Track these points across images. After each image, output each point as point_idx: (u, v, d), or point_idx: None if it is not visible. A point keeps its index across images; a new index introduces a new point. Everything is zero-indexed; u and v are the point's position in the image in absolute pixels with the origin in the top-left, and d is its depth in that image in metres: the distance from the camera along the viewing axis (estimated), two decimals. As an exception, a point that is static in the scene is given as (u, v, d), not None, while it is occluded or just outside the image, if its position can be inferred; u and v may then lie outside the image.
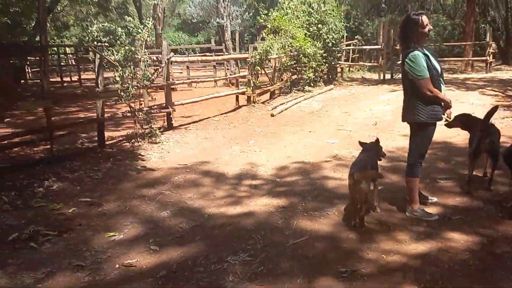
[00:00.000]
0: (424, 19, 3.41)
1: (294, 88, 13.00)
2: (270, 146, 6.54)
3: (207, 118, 9.22)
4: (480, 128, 4.12)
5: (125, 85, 6.58)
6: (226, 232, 3.58)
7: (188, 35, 40.53)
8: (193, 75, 20.51)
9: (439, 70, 3.52)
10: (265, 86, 11.77)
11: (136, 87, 6.86)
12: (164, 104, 7.71)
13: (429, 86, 3.38)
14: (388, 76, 16.47)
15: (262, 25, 13.68)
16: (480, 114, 8.60)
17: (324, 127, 7.83)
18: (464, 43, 19.98)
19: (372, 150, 3.89)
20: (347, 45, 19.40)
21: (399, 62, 18.19)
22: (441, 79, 3.54)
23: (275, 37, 11.93)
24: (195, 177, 5.07)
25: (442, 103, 3.55)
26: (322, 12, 14.19)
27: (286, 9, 13.46)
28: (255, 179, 4.95)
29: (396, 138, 6.64)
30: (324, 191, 4.45)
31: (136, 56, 6.95)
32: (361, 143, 4.01)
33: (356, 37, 25.84)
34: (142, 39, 7.22)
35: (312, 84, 13.78)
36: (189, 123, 8.58)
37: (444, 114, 3.63)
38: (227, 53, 16.35)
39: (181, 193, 4.53)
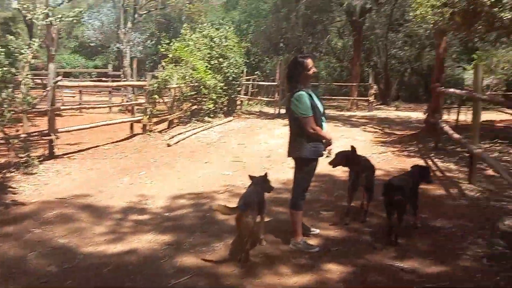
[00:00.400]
0: (309, 62, 3.64)
1: (194, 118, 12.94)
2: (163, 178, 6.32)
3: (97, 146, 8.65)
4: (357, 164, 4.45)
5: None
6: (103, 273, 3.28)
7: (86, 59, 38.44)
8: (87, 100, 19.43)
9: (322, 109, 3.76)
10: (163, 115, 11.53)
11: (13, 112, 6.18)
12: (47, 131, 7.05)
13: (312, 124, 3.58)
14: (283, 111, 17.34)
15: (163, 53, 13.54)
16: (362, 149, 9.48)
17: (220, 158, 7.84)
18: (350, 84, 22.08)
19: (260, 183, 3.95)
20: (247, 80, 20.10)
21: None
22: (323, 117, 3.78)
23: (175, 67, 11.87)
24: (73, 212, 4.63)
25: (324, 140, 3.77)
26: (224, 46, 14.57)
27: (188, 40, 13.55)
28: (143, 213, 4.69)
29: (286, 171, 6.87)
30: (214, 224, 4.38)
31: (17, 78, 6.30)
32: (250, 177, 4.05)
33: (256, 72, 27.00)
34: (24, 60, 6.59)
35: (212, 115, 13.90)
36: (75, 152, 7.95)
37: (325, 151, 3.85)
38: (124, 79, 15.75)
39: (55, 230, 4.08)
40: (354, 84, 21.50)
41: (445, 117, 12.10)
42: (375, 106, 22.53)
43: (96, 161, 7.34)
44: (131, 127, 10.14)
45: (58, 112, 8.50)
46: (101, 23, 22.81)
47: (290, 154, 3.82)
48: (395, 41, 26.02)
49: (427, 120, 11.22)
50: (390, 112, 20.09)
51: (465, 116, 10.58)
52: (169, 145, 8.95)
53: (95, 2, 26.33)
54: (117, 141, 9.42)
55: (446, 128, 7.37)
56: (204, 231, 4.15)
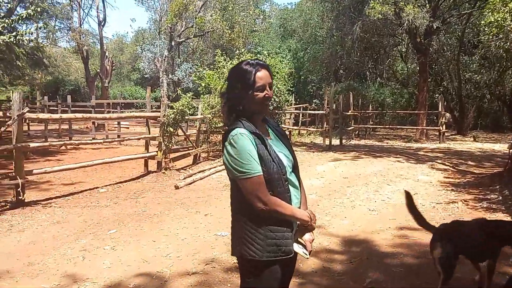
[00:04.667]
0: (261, 74, 1.86)
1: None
2: (134, 240, 4.71)
3: (94, 188, 7.38)
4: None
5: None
6: None
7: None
8: (137, 131, 19.00)
9: (288, 161, 1.92)
10: (187, 149, 10.16)
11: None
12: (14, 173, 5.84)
13: (261, 191, 1.76)
14: (336, 142, 15.30)
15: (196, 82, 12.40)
16: (424, 194, 7.24)
17: (226, 208, 6.09)
18: (418, 112, 19.45)
19: None
20: (296, 109, 18.41)
21: (349, 128, 17.14)
22: (291, 178, 1.92)
23: (203, 96, 10.58)
24: None
25: (298, 223, 1.91)
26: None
27: (222, 67, 12.26)
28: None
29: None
30: None
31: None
32: None
33: (314, 101, 25.26)
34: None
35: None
36: (59, 197, 6.70)
37: (300, 246, 1.94)
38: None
39: None
40: (422, 112, 18.84)
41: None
42: (449, 137, 19.65)
43: (73, 210, 5.96)
44: (145, 164, 8.84)
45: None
46: (153, 54, 22.63)
47: (232, 250, 1.97)
48: (469, 64, 22.97)
49: (515, 156, 8.64)
50: (466, 144, 17.13)
51: None
52: (177, 188, 7.43)
53: (150, 34, 26.58)
54: (124, 181, 8.14)
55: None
56: None
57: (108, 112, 16.90)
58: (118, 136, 14.64)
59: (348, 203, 6.48)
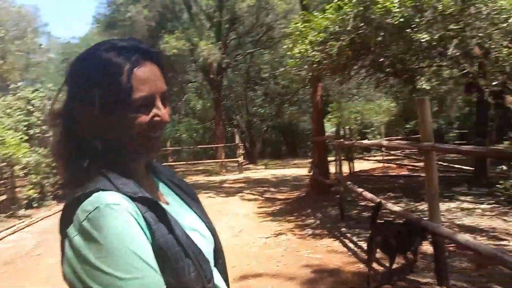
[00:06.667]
0: (145, 74, 0.78)
1: (2, 215, 8.86)
2: None
3: None
4: None
5: None
6: None
7: None
8: None
9: (207, 244, 0.89)
10: None
11: None
12: None
13: None
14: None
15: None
16: (248, 228, 6.92)
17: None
18: (216, 145, 20.06)
19: None
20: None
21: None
22: (215, 280, 0.89)
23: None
24: None
25: None
26: (49, 110, 10.99)
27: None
28: None
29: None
30: None
31: None
32: None
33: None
34: None
35: (36, 205, 9.98)
36: None
37: None
38: None
39: None
40: (220, 145, 19.50)
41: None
42: (244, 166, 20.87)
43: None
44: None
45: None
46: None
47: None
48: (255, 99, 25.48)
49: (315, 178, 9.45)
50: (261, 172, 18.43)
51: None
52: None
53: None
54: None
55: (368, 195, 5.25)
56: None
57: None
58: None
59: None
